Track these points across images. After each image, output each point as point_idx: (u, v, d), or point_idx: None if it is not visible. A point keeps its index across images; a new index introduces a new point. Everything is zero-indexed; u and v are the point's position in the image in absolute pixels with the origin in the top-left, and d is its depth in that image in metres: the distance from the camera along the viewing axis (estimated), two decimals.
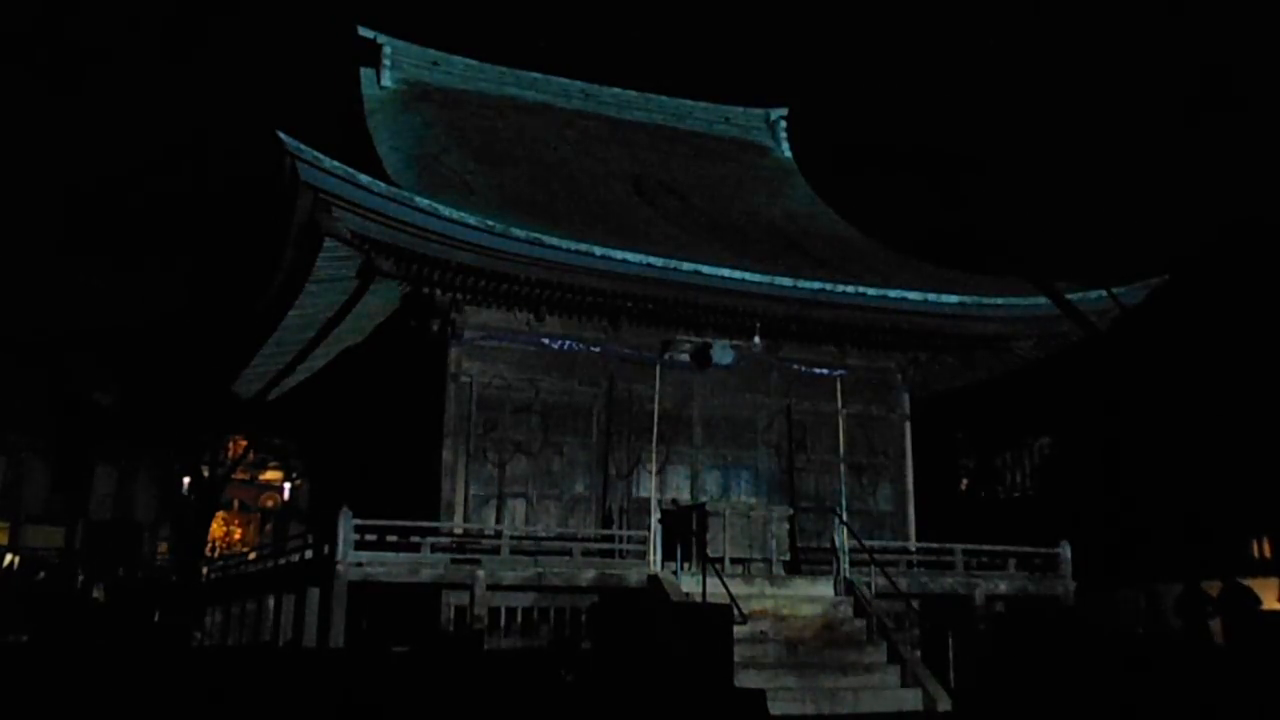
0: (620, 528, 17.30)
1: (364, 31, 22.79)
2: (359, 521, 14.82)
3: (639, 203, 21.02)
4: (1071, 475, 27.27)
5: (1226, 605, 16.14)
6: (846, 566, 16.36)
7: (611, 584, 15.56)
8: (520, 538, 16.16)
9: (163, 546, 38.25)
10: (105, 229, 29.70)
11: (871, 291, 17.71)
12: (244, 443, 35.17)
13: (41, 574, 30.61)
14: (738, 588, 14.96)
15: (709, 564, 15.36)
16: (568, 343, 17.92)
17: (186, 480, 33.18)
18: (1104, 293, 18.72)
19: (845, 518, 17.02)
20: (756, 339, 18.03)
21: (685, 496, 17.99)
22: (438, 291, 16.71)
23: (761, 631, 14.75)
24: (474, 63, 24.09)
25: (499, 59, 24.50)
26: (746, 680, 13.34)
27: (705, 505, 16.65)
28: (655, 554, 15.92)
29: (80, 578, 28.92)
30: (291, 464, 38.32)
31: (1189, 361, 23.25)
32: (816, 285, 17.30)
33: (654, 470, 17.05)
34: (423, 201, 15.17)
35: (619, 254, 16.18)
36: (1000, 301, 18.65)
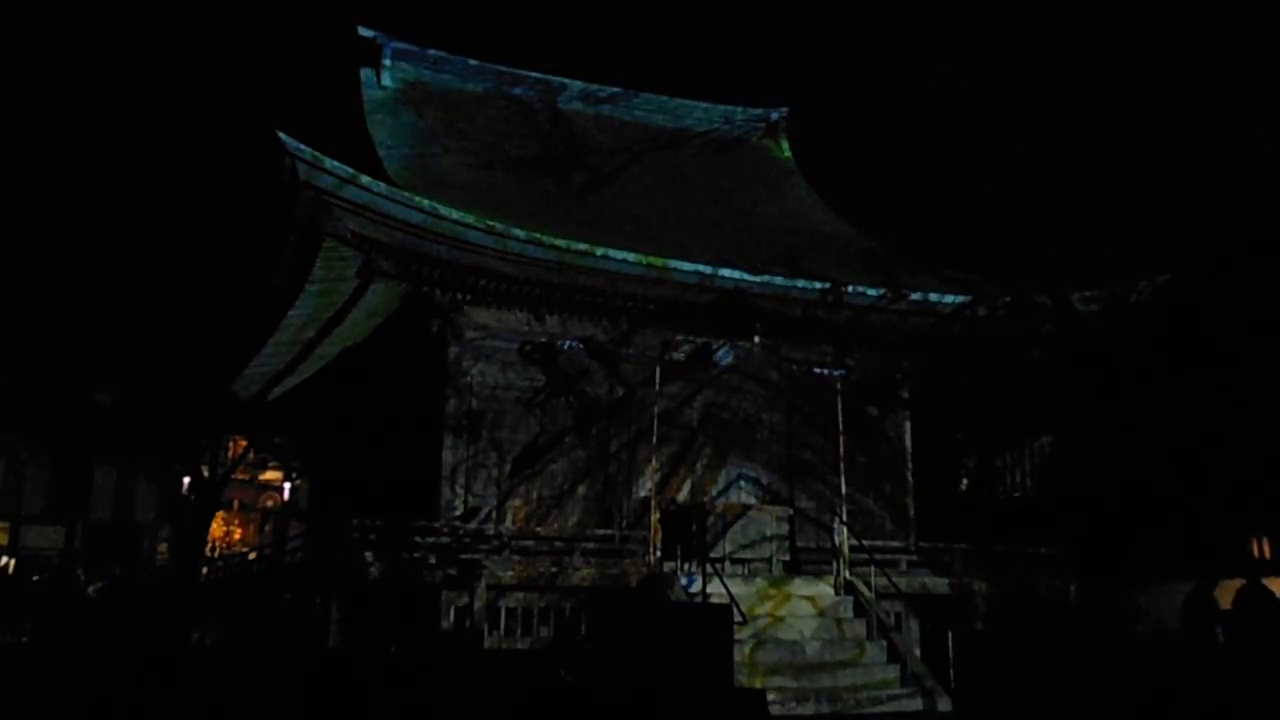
0: (620, 528, 17.29)
1: (364, 31, 22.79)
2: (359, 521, 14.81)
3: (639, 203, 21.02)
4: (1071, 475, 27.24)
5: (1245, 605, 16.03)
6: (846, 566, 16.35)
7: (611, 584, 15.56)
8: (520, 538, 16.16)
9: (163, 546, 38.22)
10: (105, 229, 29.70)
11: (871, 291, 17.73)
12: (244, 443, 35.12)
13: (36, 577, 30.58)
14: (737, 588, 14.97)
15: (709, 564, 15.36)
16: (568, 343, 17.93)
17: (186, 480, 33.12)
18: (1104, 293, 18.74)
19: (845, 518, 17.02)
20: (756, 339, 18.03)
21: (685, 496, 17.98)
22: (438, 291, 16.70)
23: (761, 631, 14.74)
24: (474, 63, 24.09)
25: (499, 59, 24.53)
26: (746, 680, 13.34)
27: (705, 505, 16.62)
28: (655, 554, 15.91)
29: (82, 578, 28.91)
30: (291, 464, 38.28)
31: (1189, 361, 23.23)
32: (816, 285, 17.32)
33: (654, 470, 17.05)
34: (423, 202, 15.17)
35: (619, 254, 16.19)
36: (1000, 301, 18.65)
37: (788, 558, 16.97)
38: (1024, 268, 19.46)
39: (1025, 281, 19.09)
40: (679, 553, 16.06)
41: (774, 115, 26.91)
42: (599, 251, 16.05)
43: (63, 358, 30.92)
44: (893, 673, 14.58)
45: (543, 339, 17.79)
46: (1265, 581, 16.27)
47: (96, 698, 11.07)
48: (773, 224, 22.22)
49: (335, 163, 14.11)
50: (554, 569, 15.47)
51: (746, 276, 16.86)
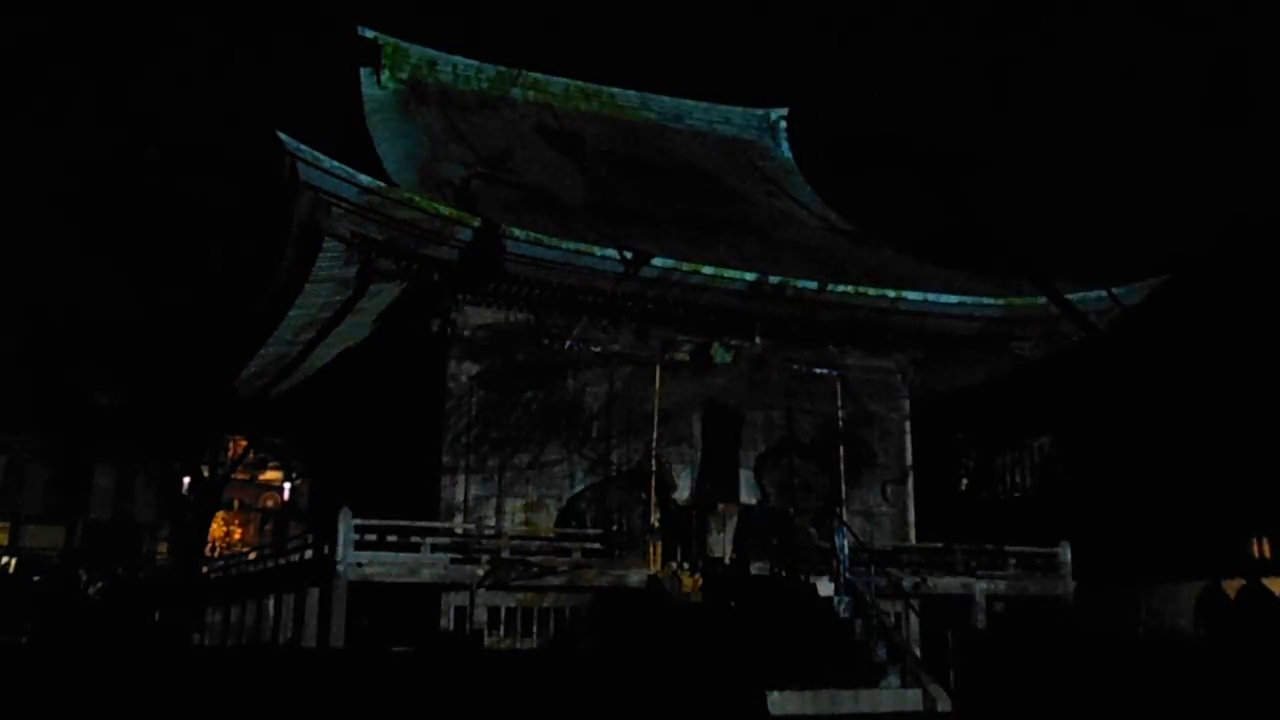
0: (620, 528, 17.27)
1: (364, 31, 22.78)
2: (359, 521, 14.82)
3: (639, 203, 21.00)
4: (1071, 475, 27.26)
5: (1245, 605, 16.02)
6: (846, 566, 16.34)
7: (611, 584, 15.56)
8: (520, 538, 16.16)
9: (163, 546, 38.25)
10: (105, 229, 29.70)
11: (871, 291, 17.71)
12: (244, 443, 35.14)
13: (36, 577, 30.62)
14: (736, 588, 14.95)
15: (709, 564, 15.35)
16: (568, 343, 17.92)
17: (186, 480, 33.16)
18: (1104, 293, 18.73)
19: (845, 518, 17.01)
20: (756, 339, 18.03)
21: (685, 496, 17.98)
22: (438, 291, 16.70)
23: (760, 631, 14.72)
24: (473, 62, 24.09)
25: (499, 59, 24.54)
26: (746, 680, 13.32)
27: (705, 505, 16.61)
28: (655, 554, 15.90)
29: (83, 578, 28.95)
30: (291, 464, 38.30)
31: (1189, 361, 23.23)
32: (816, 285, 17.30)
33: (655, 470, 17.03)
34: (422, 202, 15.17)
35: (618, 254, 16.17)
36: (1000, 301, 18.66)
37: (788, 557, 16.95)
38: (1024, 268, 19.44)
39: (1025, 281, 19.08)
40: (679, 553, 16.05)
41: (774, 115, 26.91)
42: (598, 251, 16.04)
43: (63, 358, 30.92)
44: (893, 673, 14.56)
45: (543, 339, 17.77)
46: (1265, 581, 16.25)
47: (97, 697, 11.07)
48: (773, 224, 22.20)
49: (334, 162, 14.11)
50: (554, 569, 15.46)
51: (746, 276, 16.84)
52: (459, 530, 16.37)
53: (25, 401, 32.85)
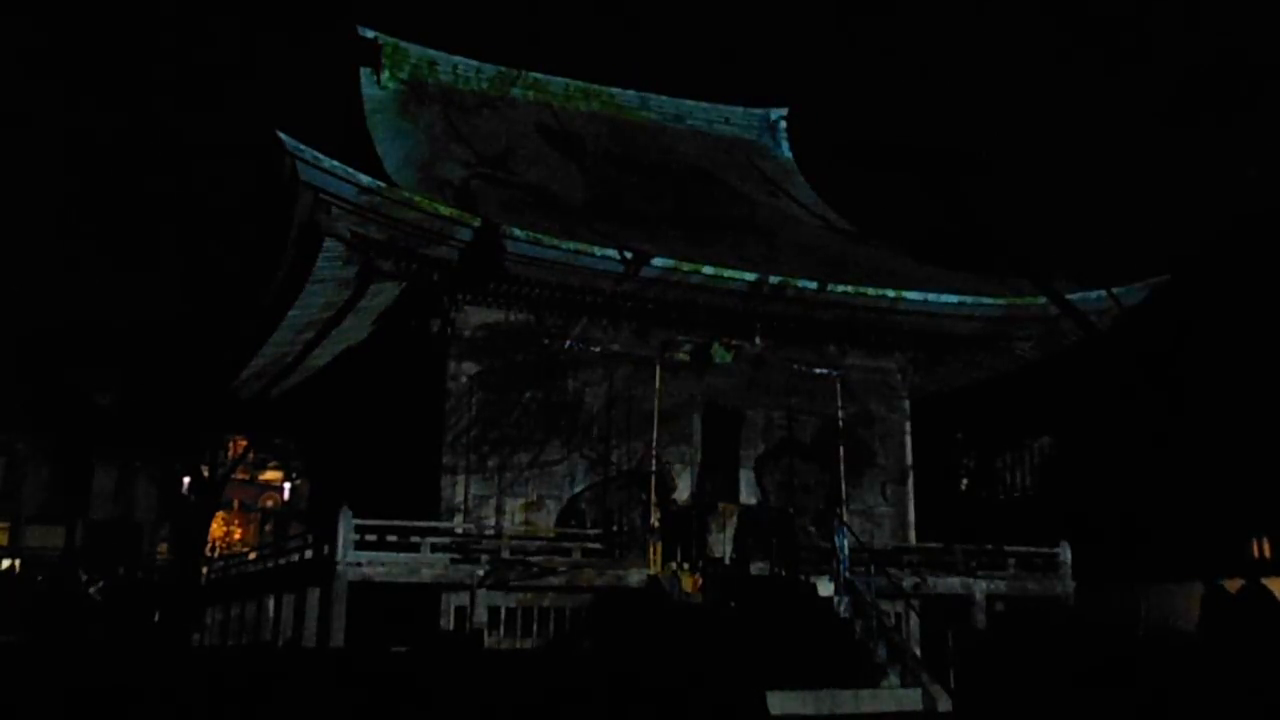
0: (620, 528, 17.28)
1: (364, 31, 22.78)
2: (359, 521, 14.83)
3: (639, 203, 21.00)
4: (1071, 475, 27.26)
5: (1246, 605, 15.99)
6: (846, 566, 16.33)
7: (611, 584, 15.56)
8: (520, 538, 16.16)
9: (163, 546, 38.28)
10: (105, 229, 29.72)
11: (871, 291, 17.72)
12: (244, 443, 35.16)
13: (40, 577, 30.66)
14: (736, 588, 14.94)
15: (709, 564, 15.35)
16: (568, 343, 17.92)
17: (186, 480, 33.18)
18: (1104, 293, 18.74)
19: (845, 518, 17.01)
20: (756, 339, 18.04)
21: (685, 496, 17.98)
22: (437, 291, 16.70)
23: (761, 631, 14.73)
24: (473, 62, 24.09)
25: (499, 59, 24.54)
26: (746, 680, 13.32)
27: (705, 505, 16.60)
28: (655, 554, 15.91)
29: (85, 578, 28.97)
30: (291, 464, 38.35)
31: (1189, 361, 23.23)
32: (816, 285, 17.31)
33: (654, 470, 17.04)
34: (422, 201, 15.17)
35: (618, 254, 16.18)
36: (1000, 301, 18.66)
37: (788, 557, 16.95)
38: (1024, 268, 19.45)
39: (1025, 281, 19.09)
40: (679, 553, 16.05)
41: (774, 115, 26.91)
42: (598, 251, 16.05)
43: (63, 358, 30.96)
44: (893, 673, 14.56)
45: (543, 339, 17.78)
46: (1265, 581, 16.24)
47: (99, 697, 11.07)
48: (773, 224, 22.20)
49: (334, 162, 14.11)
50: (554, 569, 15.46)
51: (746, 276, 16.84)
52: (459, 530, 16.38)
53: (25, 402, 32.88)
